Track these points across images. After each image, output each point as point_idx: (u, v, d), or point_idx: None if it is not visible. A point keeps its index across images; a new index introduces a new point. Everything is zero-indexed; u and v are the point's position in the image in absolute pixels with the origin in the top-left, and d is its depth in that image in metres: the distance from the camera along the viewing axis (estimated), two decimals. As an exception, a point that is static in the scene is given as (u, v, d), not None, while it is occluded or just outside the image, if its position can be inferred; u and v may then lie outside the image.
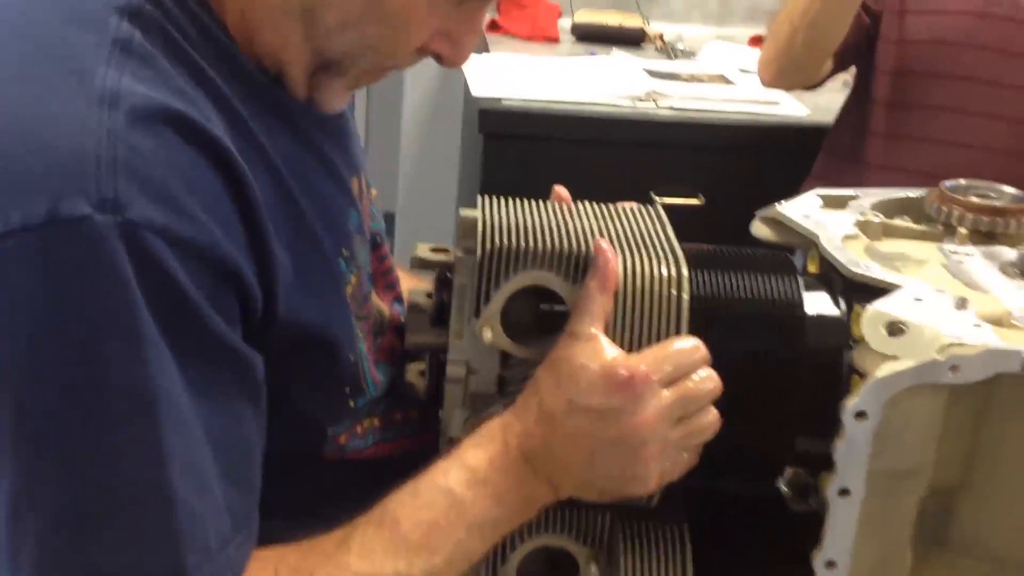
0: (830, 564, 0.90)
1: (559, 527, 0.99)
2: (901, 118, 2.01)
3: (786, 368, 0.93)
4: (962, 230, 1.07)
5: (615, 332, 0.89)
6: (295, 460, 0.90)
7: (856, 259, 0.97)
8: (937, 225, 1.08)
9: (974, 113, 1.96)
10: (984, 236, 1.08)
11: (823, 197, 1.13)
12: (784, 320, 0.94)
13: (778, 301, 0.94)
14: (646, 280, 0.90)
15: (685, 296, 0.89)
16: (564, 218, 0.97)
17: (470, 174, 2.50)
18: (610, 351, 0.86)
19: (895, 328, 0.87)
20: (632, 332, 0.89)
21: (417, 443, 1.06)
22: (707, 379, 0.87)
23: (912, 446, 0.89)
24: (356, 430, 0.98)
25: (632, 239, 0.95)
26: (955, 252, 1.04)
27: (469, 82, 2.38)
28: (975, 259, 1.03)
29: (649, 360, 0.85)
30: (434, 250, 1.01)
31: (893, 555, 0.94)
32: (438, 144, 3.16)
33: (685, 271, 0.90)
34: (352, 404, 0.95)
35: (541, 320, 0.94)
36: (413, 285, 1.08)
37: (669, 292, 0.89)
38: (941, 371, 0.84)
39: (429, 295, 1.01)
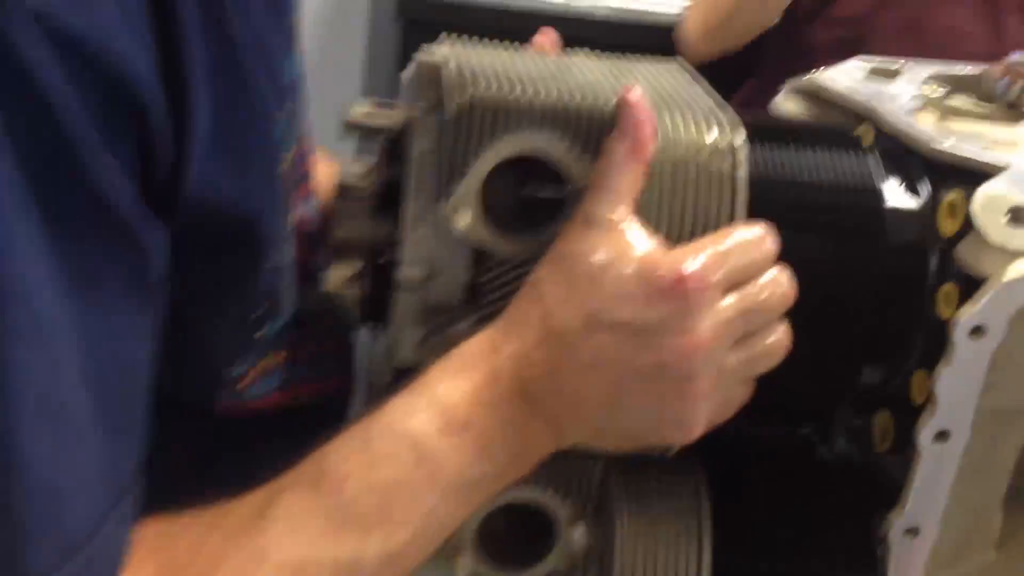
0: (912, 531, 0.68)
1: (532, 476, 0.73)
2: None
3: (860, 274, 0.70)
4: (1027, 108, 0.85)
5: (648, 219, 0.64)
6: (172, 416, 0.60)
7: (937, 134, 0.74)
8: (1005, 105, 0.86)
9: None
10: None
11: (869, 66, 0.89)
12: (860, 211, 0.71)
13: (853, 185, 0.71)
14: (691, 149, 0.65)
15: (741, 173, 0.65)
16: (563, 68, 0.71)
17: (380, 71, 2.21)
18: (646, 243, 0.62)
19: (1021, 215, 0.65)
20: (672, 219, 0.64)
21: (337, 386, 0.80)
22: (777, 283, 0.64)
23: (1035, 375, 0.67)
24: (259, 368, 0.71)
25: (663, 96, 0.70)
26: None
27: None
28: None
29: (703, 256, 0.61)
30: (376, 108, 0.73)
31: (982, 521, 0.73)
32: (338, 35, 2.74)
33: (740, 139, 0.66)
34: (262, 330, 0.68)
35: (524, 209, 0.69)
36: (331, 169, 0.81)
37: (720, 167, 0.65)
38: (1087, 274, 0.63)
39: (366, 174, 0.74)
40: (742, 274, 0.62)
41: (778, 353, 0.64)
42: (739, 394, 0.65)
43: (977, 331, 0.62)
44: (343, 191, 0.74)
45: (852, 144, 0.74)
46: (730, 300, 0.62)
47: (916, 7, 1.81)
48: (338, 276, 0.78)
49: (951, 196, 0.69)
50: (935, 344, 0.70)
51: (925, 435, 0.65)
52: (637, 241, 0.62)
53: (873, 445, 0.75)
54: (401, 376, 0.69)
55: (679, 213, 0.64)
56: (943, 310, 0.69)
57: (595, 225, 0.62)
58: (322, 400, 0.78)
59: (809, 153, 0.71)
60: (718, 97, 0.71)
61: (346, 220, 0.74)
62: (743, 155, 0.65)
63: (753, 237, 0.63)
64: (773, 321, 0.64)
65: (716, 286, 0.61)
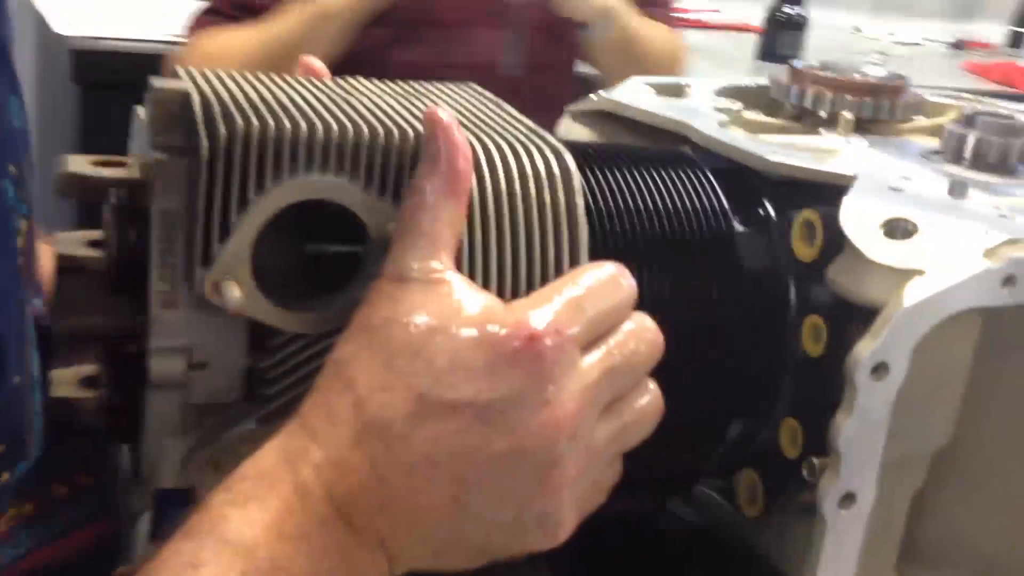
0: (819, 615, 0.56)
1: None
2: None
3: (718, 311, 0.59)
4: (846, 115, 0.77)
5: (475, 269, 0.50)
6: None
7: (772, 147, 0.64)
8: (795, 115, 0.78)
9: None
10: (862, 124, 0.79)
11: (652, 85, 0.79)
12: (713, 238, 0.59)
13: (700, 209, 0.59)
14: (517, 179, 0.52)
15: (579, 202, 0.52)
16: (345, 94, 0.57)
17: (62, 136, 1.96)
18: (478, 298, 0.48)
19: (900, 227, 0.55)
20: (503, 265, 0.51)
21: (102, 531, 0.62)
22: (643, 331, 0.51)
23: (940, 414, 0.57)
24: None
25: (472, 120, 0.56)
26: (849, 143, 0.75)
27: (47, 16, 1.86)
28: (888, 149, 0.74)
29: (554, 306, 0.48)
30: (101, 163, 0.56)
31: (881, 581, 0.62)
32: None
33: (572, 163, 0.53)
34: (5, 475, 0.50)
35: (311, 271, 0.54)
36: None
37: (555, 197, 0.52)
38: (993, 287, 0.53)
39: (95, 242, 0.57)
40: (602, 324, 0.50)
41: (652, 419, 0.52)
42: (609, 476, 0.52)
43: (880, 369, 0.52)
44: (67, 269, 0.56)
45: (689, 164, 0.62)
46: (593, 358, 0.49)
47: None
48: (68, 379, 0.59)
49: (805, 215, 0.59)
50: (804, 387, 0.59)
51: (829, 500, 0.53)
52: (466, 296, 0.48)
53: (739, 511, 0.64)
54: (166, 503, 0.52)
55: (510, 258, 0.51)
56: (810, 347, 0.58)
57: (409, 281, 0.48)
58: (84, 557, 0.60)
59: (646, 176, 0.59)
60: (529, 121, 0.59)
61: (74, 305, 0.56)
62: (577, 182, 0.52)
63: (607, 277, 0.50)
64: (642, 379, 0.51)
65: (575, 341, 0.48)
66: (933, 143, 0.76)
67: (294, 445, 0.47)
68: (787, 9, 2.49)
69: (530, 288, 0.51)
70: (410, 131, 0.51)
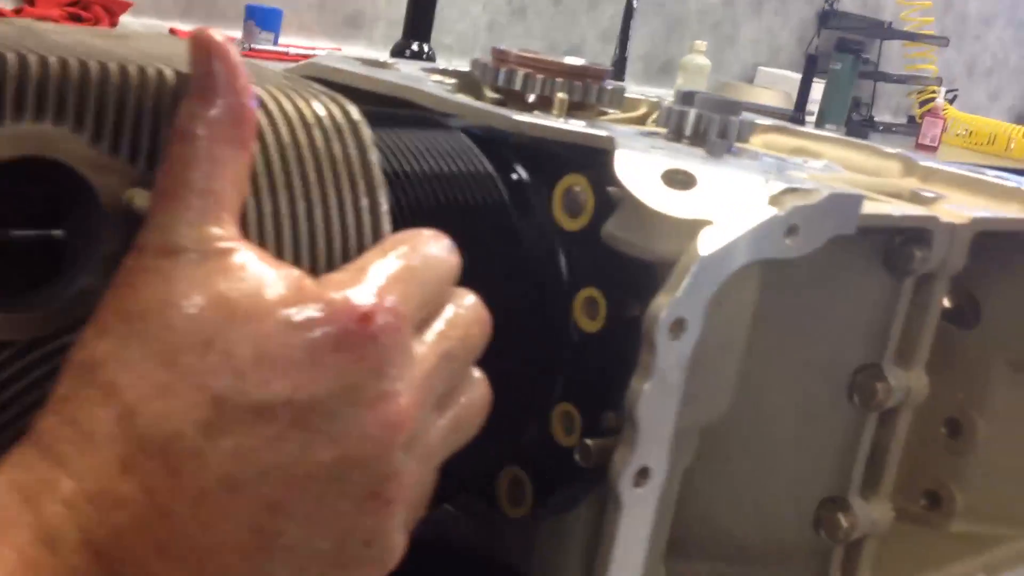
0: (611, 609, 0.50)
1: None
2: None
3: (503, 286, 0.52)
4: (561, 95, 0.73)
5: (261, 237, 0.40)
6: None
7: (515, 112, 0.59)
8: (505, 100, 0.74)
9: None
10: (571, 107, 0.76)
11: (356, 58, 0.72)
12: (488, 207, 0.53)
13: (475, 172, 0.53)
14: (301, 128, 0.42)
15: (373, 158, 0.44)
16: (30, 31, 0.45)
17: None
18: (282, 273, 0.38)
19: (678, 179, 0.51)
20: (299, 234, 0.41)
21: None
22: (474, 309, 0.43)
23: (725, 378, 0.53)
24: None
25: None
26: (569, 123, 0.71)
27: None
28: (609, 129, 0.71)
29: (384, 279, 0.39)
30: None
31: (654, 573, 0.58)
32: None
33: (356, 112, 0.44)
34: None
35: (25, 256, 0.42)
36: None
37: (346, 149, 0.43)
38: (778, 237, 0.50)
39: None
40: (432, 301, 0.41)
41: (482, 413, 0.44)
42: (431, 483, 0.43)
43: (677, 326, 0.47)
44: None
45: (447, 128, 0.56)
46: (426, 341, 0.40)
47: None
48: None
49: (567, 181, 0.54)
50: (580, 368, 0.54)
51: (625, 476, 0.48)
52: (265, 270, 0.38)
53: (502, 511, 0.57)
54: None
55: (305, 223, 0.41)
56: (584, 322, 0.53)
57: (184, 253, 0.37)
58: None
59: (410, 133, 0.52)
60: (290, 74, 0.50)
61: None
62: (367, 133, 0.44)
63: (430, 245, 0.41)
64: (470, 366, 0.43)
65: (409, 320, 0.39)
66: (643, 130, 0.74)
67: (32, 478, 0.35)
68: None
69: (331, 261, 0.41)
70: (150, 70, 0.41)
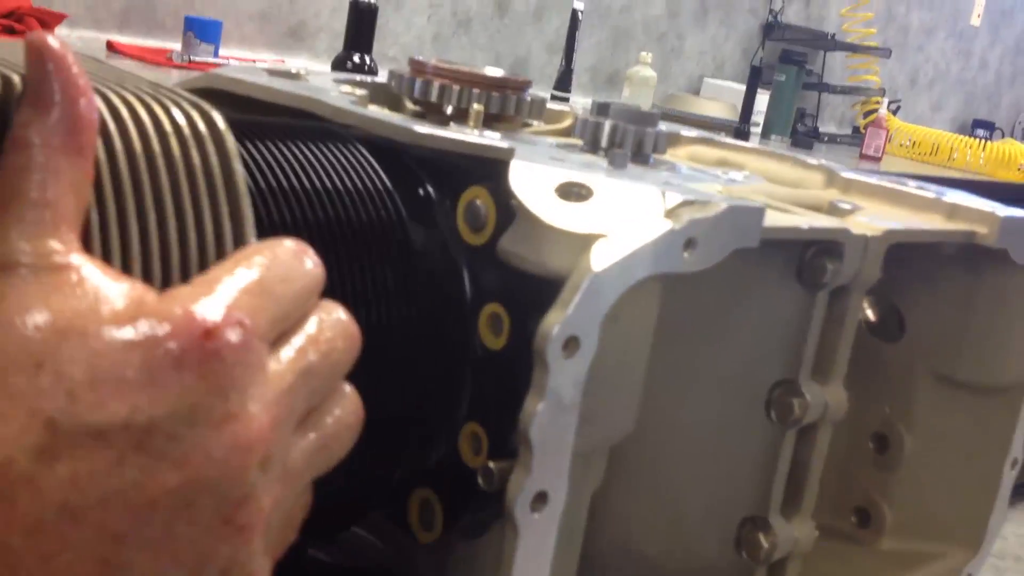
0: (510, 640, 0.48)
1: None
2: None
3: (394, 302, 0.51)
4: (477, 107, 0.72)
5: (105, 251, 0.38)
6: None
7: (412, 122, 0.58)
8: (424, 113, 0.72)
9: None
10: (488, 117, 0.75)
11: (265, 69, 0.70)
12: (383, 218, 0.52)
13: (368, 188, 0.52)
14: (155, 134, 0.40)
15: (237, 167, 0.42)
16: None
17: None
18: (123, 288, 0.36)
19: (574, 191, 0.50)
20: (148, 249, 0.39)
21: None
22: (337, 321, 0.41)
23: (627, 397, 0.52)
24: None
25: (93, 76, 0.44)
26: (484, 135, 0.69)
27: None
28: (523, 141, 0.69)
29: (231, 291, 0.37)
30: None
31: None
32: None
33: (222, 121, 0.43)
34: None
35: None
36: None
37: (207, 159, 0.41)
38: (675, 250, 0.49)
39: None
40: (289, 315, 0.39)
41: (353, 431, 0.42)
42: (302, 508, 0.41)
43: (570, 344, 0.45)
44: None
45: (343, 140, 0.54)
46: (284, 357, 0.38)
47: None
48: None
49: (470, 194, 0.53)
50: (486, 386, 0.52)
51: (521, 502, 0.46)
52: (105, 285, 0.36)
53: (413, 536, 0.56)
54: None
55: (156, 236, 0.39)
56: (489, 339, 0.52)
57: (17, 269, 0.35)
58: None
59: (304, 152, 0.50)
60: (149, 79, 0.48)
61: None
62: (232, 143, 0.42)
63: (289, 255, 0.39)
64: (338, 382, 0.41)
65: (262, 336, 0.37)
66: (562, 141, 0.72)
67: None
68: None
69: (186, 274, 0.39)
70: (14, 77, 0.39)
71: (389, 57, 2.82)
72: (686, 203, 0.50)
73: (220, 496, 0.35)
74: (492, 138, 0.64)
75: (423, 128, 0.56)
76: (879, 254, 0.61)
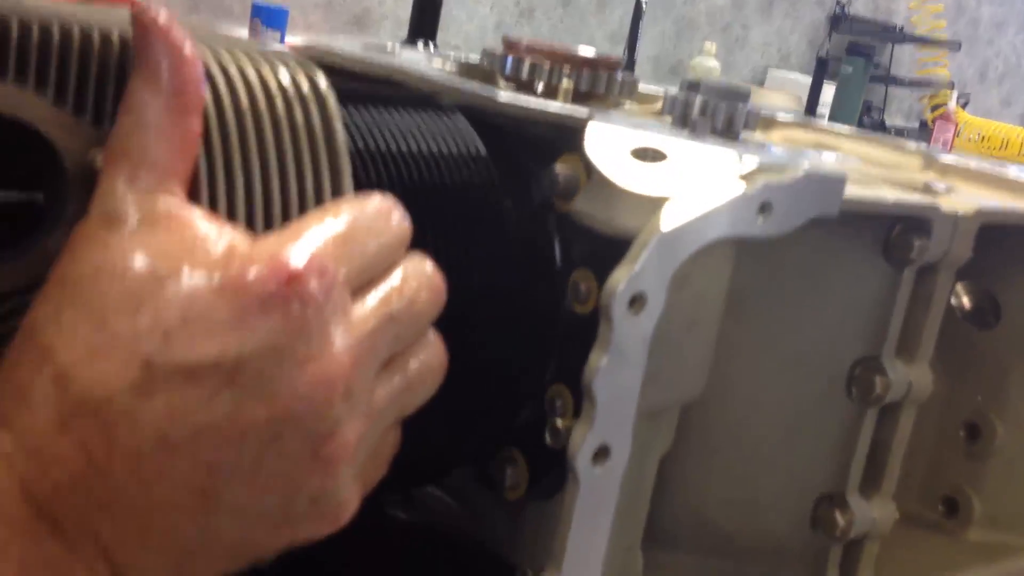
0: (571, 593, 0.49)
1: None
2: None
3: (488, 264, 0.52)
4: (567, 83, 0.72)
5: (216, 206, 0.41)
6: None
7: (497, 91, 0.59)
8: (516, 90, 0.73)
9: None
10: (579, 95, 0.76)
11: (363, 44, 0.72)
12: (479, 183, 0.53)
13: (464, 153, 0.53)
14: (262, 94, 0.43)
15: (338, 127, 0.44)
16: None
17: None
18: (221, 234, 0.39)
19: (648, 155, 0.50)
20: (251, 200, 0.41)
21: None
22: (422, 273, 0.43)
23: (696, 357, 0.52)
24: None
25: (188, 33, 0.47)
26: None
27: None
28: (612, 115, 0.70)
29: (315, 240, 0.39)
30: None
31: (629, 568, 0.56)
32: None
33: (324, 82, 0.45)
34: None
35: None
36: None
37: (309, 118, 0.43)
38: (749, 214, 0.49)
39: None
40: (374, 265, 0.41)
41: (437, 375, 0.44)
42: (389, 445, 0.44)
43: (637, 301, 0.46)
44: None
45: (443, 108, 0.56)
46: (368, 304, 0.40)
47: None
48: None
49: (562, 161, 0.53)
50: (574, 349, 0.53)
51: (582, 454, 0.47)
52: (202, 233, 0.38)
53: (503, 495, 0.56)
54: None
55: (260, 190, 0.41)
56: (576, 304, 0.52)
57: (125, 222, 0.38)
58: None
59: (401, 113, 0.52)
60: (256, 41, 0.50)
61: None
62: (333, 103, 0.44)
63: (377, 209, 0.42)
64: (424, 330, 0.43)
65: (344, 283, 0.39)
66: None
67: None
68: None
69: (282, 222, 0.41)
70: (114, 33, 0.41)
71: (452, 46, 2.85)
72: (762, 168, 0.50)
73: (306, 430, 0.38)
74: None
75: (506, 96, 0.57)
76: (970, 233, 0.60)
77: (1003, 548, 0.74)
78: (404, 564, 0.65)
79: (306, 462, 0.38)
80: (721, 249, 0.50)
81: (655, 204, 0.47)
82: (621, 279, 0.46)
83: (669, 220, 0.46)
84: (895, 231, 0.60)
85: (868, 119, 3.24)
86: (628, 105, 0.80)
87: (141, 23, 0.40)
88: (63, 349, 0.36)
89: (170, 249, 0.38)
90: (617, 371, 0.46)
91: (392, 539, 0.65)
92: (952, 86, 3.38)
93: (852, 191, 0.55)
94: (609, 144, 0.51)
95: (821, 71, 2.81)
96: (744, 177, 0.49)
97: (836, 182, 0.51)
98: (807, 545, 0.63)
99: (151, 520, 0.37)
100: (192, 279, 0.37)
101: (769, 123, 0.88)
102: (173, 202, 0.39)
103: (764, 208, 0.49)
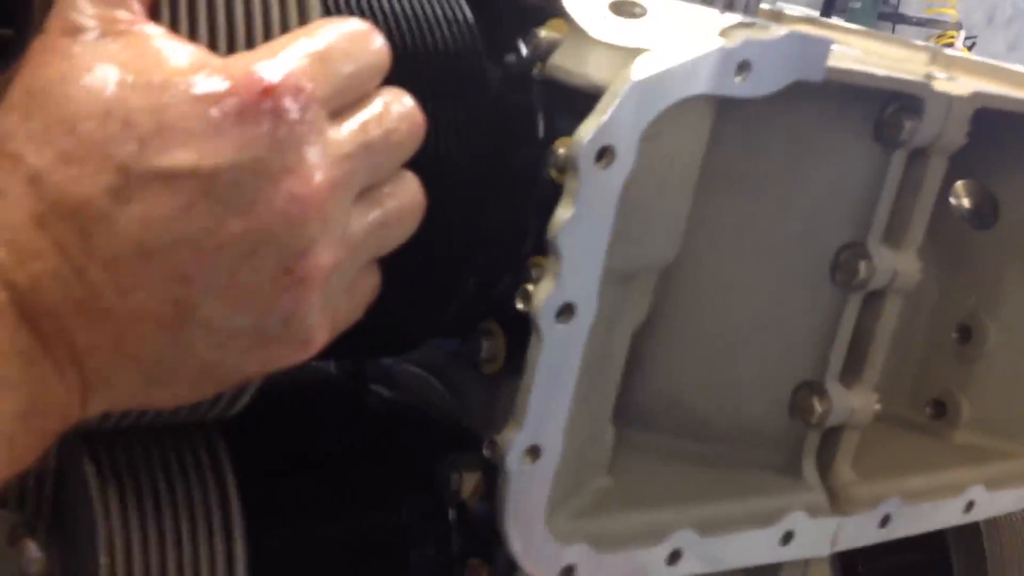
0: (532, 451, 0.49)
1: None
2: None
3: (467, 126, 0.51)
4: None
5: (173, 23, 0.40)
6: None
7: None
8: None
9: None
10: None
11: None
12: (457, 54, 0.51)
13: (447, 15, 0.52)
14: None
15: None
16: None
17: None
18: (186, 49, 0.38)
19: (626, 10, 0.49)
20: (212, 20, 0.40)
21: None
22: (400, 103, 0.43)
23: (668, 219, 0.51)
24: None
25: None
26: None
27: None
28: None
29: (290, 55, 0.39)
30: None
31: (597, 436, 0.56)
32: None
33: None
34: None
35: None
36: None
37: None
38: (726, 72, 0.47)
39: None
40: (352, 89, 0.40)
41: (414, 213, 0.44)
42: (367, 285, 0.44)
43: (604, 155, 0.45)
44: None
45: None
46: (345, 128, 0.40)
47: None
48: None
49: (547, 26, 0.51)
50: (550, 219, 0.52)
51: (546, 310, 0.46)
52: (168, 47, 0.38)
53: (480, 370, 0.56)
54: None
55: (223, 11, 0.40)
56: (555, 174, 0.51)
57: (85, 32, 0.38)
58: None
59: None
60: None
61: None
62: None
63: (354, 32, 0.41)
64: (401, 164, 0.43)
65: (321, 101, 0.39)
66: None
67: None
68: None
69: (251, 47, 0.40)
70: None
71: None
72: (743, 24, 0.48)
73: (281, 245, 0.38)
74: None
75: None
76: (964, 116, 0.59)
77: (989, 452, 0.73)
78: (380, 438, 0.64)
79: (279, 279, 0.39)
80: (698, 108, 0.48)
81: (630, 55, 0.46)
82: (589, 130, 0.44)
83: (641, 71, 0.45)
84: (888, 111, 0.58)
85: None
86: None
87: None
88: (34, 154, 0.36)
89: (136, 59, 0.37)
90: (583, 225, 0.46)
91: (371, 413, 0.65)
92: (959, 27, 3.34)
93: (843, 64, 0.54)
94: (590, 1, 0.49)
95: (829, 6, 2.78)
96: (724, 32, 0.48)
97: (820, 44, 0.50)
98: (785, 431, 0.63)
99: (126, 328, 0.37)
100: (163, 88, 0.37)
101: (777, 16, 0.86)
102: (133, 19, 0.38)
103: (743, 66, 0.48)
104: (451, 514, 0.58)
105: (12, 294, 0.36)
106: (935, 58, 0.73)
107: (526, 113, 0.53)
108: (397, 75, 0.43)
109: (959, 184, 0.73)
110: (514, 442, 0.48)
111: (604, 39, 0.47)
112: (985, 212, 0.73)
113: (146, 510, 0.47)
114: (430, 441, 0.62)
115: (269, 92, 0.37)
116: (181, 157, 0.36)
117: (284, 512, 0.55)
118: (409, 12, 0.51)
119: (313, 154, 0.38)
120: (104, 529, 0.47)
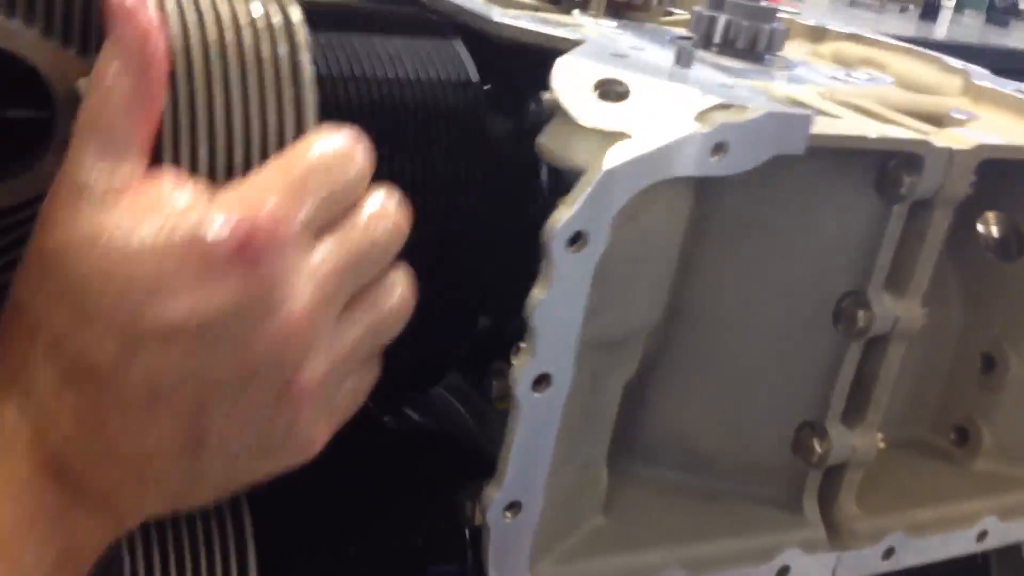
0: (513, 507, 0.52)
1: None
2: None
3: (470, 188, 0.54)
4: (596, -5, 0.73)
5: (181, 147, 0.43)
6: None
7: (500, 11, 0.59)
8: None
9: None
10: (619, 11, 0.76)
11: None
12: (458, 112, 0.54)
13: (448, 78, 0.54)
14: (229, 27, 0.45)
15: (305, 58, 0.46)
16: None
17: None
18: (179, 199, 0.42)
19: (612, 89, 0.51)
20: (215, 137, 0.44)
21: None
22: (383, 210, 0.46)
23: (646, 291, 0.53)
24: None
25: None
26: (599, 23, 0.70)
27: None
28: (635, 30, 0.70)
29: (268, 193, 0.42)
30: None
31: (589, 482, 0.59)
32: None
33: (297, 14, 0.46)
34: None
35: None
36: None
37: (276, 50, 0.45)
38: (702, 153, 0.49)
39: None
40: (333, 206, 0.44)
41: (404, 309, 0.47)
42: (364, 379, 0.48)
43: (577, 240, 0.47)
44: None
45: (434, 28, 0.57)
46: (326, 248, 0.43)
47: None
48: None
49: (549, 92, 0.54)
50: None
51: (523, 382, 0.49)
52: (163, 199, 0.41)
53: (493, 403, 0.59)
54: None
55: (223, 126, 0.44)
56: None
57: (89, 192, 0.41)
58: None
59: (384, 39, 0.53)
60: None
61: None
62: (303, 36, 0.46)
63: (337, 149, 0.44)
64: (387, 264, 0.46)
65: (300, 232, 0.42)
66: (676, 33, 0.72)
67: None
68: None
69: (248, 164, 0.44)
70: None
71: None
72: (720, 107, 0.50)
73: (273, 377, 0.42)
74: (589, 26, 0.65)
75: (500, 16, 0.58)
76: (967, 168, 0.59)
77: (1009, 480, 0.74)
78: (403, 461, 0.68)
79: (274, 404, 0.43)
80: (675, 187, 0.50)
81: (608, 141, 0.48)
82: (560, 218, 0.47)
83: (614, 158, 0.47)
84: (890, 165, 0.59)
85: (1001, 1, 3.06)
86: (679, 14, 0.80)
87: (108, 4, 0.43)
88: (47, 325, 0.41)
89: (132, 220, 0.41)
90: (557, 305, 0.48)
91: (395, 438, 0.69)
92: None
93: (835, 127, 0.55)
94: (575, 77, 0.51)
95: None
96: (700, 116, 0.49)
97: (800, 120, 0.51)
98: (788, 468, 0.65)
99: (147, 465, 0.42)
100: (155, 247, 0.40)
101: (821, 34, 0.86)
102: (133, 174, 0.42)
103: (720, 147, 0.49)
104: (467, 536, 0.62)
105: (44, 458, 0.41)
106: (967, 88, 0.73)
107: (532, 169, 0.56)
108: (392, 137, 0.46)
109: (989, 215, 0.73)
110: (495, 499, 0.51)
111: (585, 123, 0.49)
112: (1010, 244, 0.73)
113: (167, 536, 0.52)
114: (451, 466, 0.66)
115: (247, 241, 0.40)
116: (172, 315, 0.40)
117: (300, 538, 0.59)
118: (405, 76, 0.54)
119: (296, 287, 0.42)
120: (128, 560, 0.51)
